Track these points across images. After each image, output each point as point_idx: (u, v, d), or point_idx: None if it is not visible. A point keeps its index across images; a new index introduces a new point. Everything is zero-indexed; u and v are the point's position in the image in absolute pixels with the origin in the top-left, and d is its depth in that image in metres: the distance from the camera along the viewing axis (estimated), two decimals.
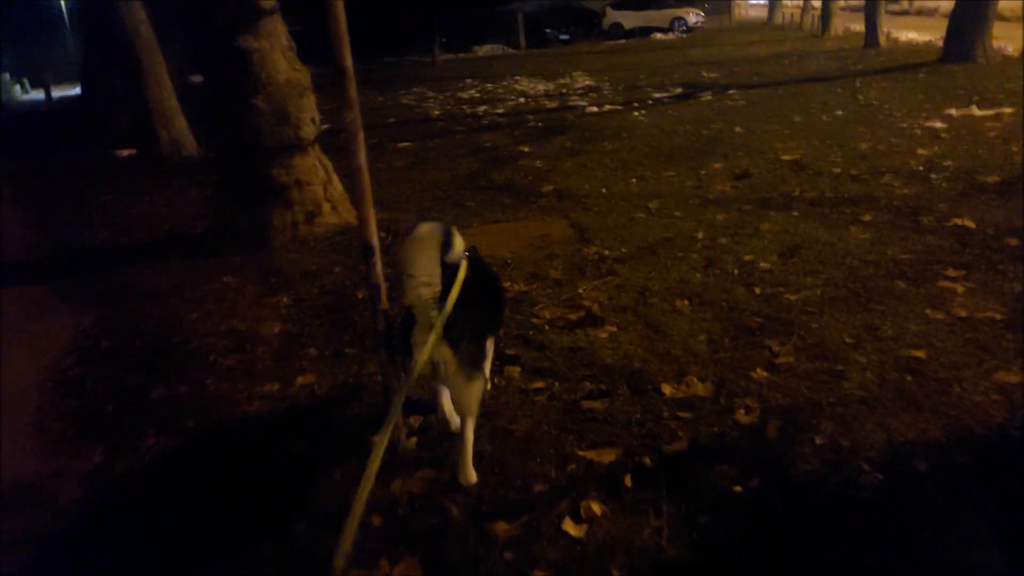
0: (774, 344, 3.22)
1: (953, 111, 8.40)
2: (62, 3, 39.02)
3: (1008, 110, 8.06)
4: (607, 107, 11.55)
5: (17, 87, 40.00)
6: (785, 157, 6.95)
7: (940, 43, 15.48)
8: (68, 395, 3.44)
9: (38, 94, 28.19)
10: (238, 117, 5.34)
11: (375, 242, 2.61)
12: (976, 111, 8.27)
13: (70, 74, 25.77)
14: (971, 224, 4.58)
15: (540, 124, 10.48)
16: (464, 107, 13.25)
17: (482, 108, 12.84)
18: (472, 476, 2.42)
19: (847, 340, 3.20)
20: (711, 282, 4.03)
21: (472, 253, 2.58)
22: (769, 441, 2.54)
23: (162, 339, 3.99)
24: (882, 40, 16.01)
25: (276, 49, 5.43)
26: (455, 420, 2.55)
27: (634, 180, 6.68)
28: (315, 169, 5.66)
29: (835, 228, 4.78)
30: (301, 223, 5.56)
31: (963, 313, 3.35)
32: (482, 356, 2.49)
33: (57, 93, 28.03)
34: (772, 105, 10.14)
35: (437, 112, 12.93)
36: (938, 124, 7.79)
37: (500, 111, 12.33)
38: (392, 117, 12.75)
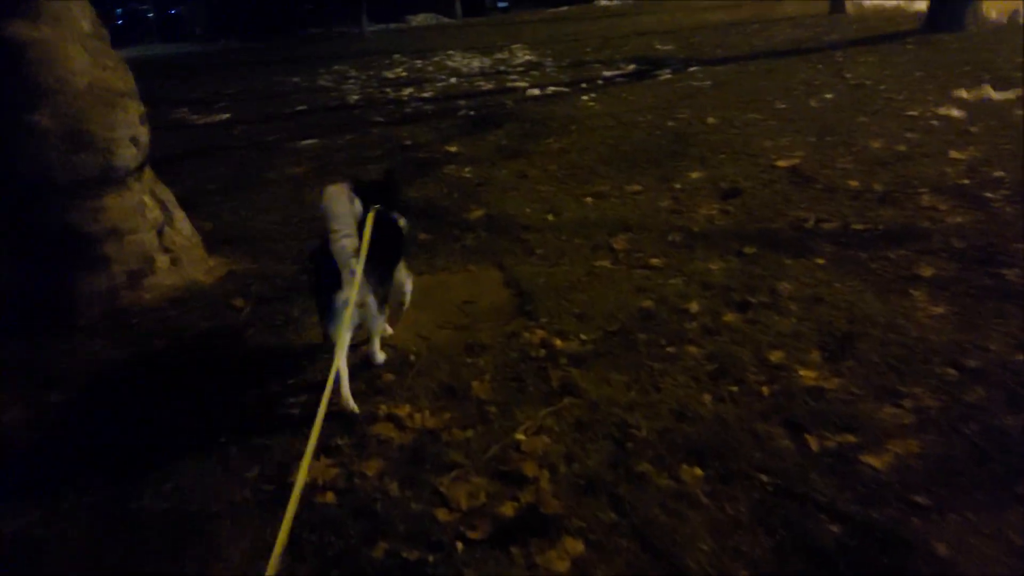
0: None
1: (964, 93, 6.99)
2: None
3: None
4: (551, 89, 9.92)
5: None
6: (780, 163, 5.44)
7: (912, 8, 14.21)
8: None
9: None
10: (10, 142, 3.58)
11: None
12: (993, 93, 6.87)
13: None
14: None
15: (472, 113, 8.80)
16: (387, 90, 11.47)
17: (407, 91, 11.08)
18: (381, 356, 3.04)
19: None
20: (731, 417, 2.48)
21: (386, 195, 3.02)
22: None
23: None
24: (848, 6, 14.64)
25: (70, 39, 3.67)
26: (351, 403, 2.70)
27: (590, 199, 5.09)
28: (141, 209, 3.92)
29: (888, 292, 3.29)
30: (122, 288, 3.84)
31: None
32: (387, 297, 2.96)
33: None
34: (745, 86, 8.63)
35: (355, 97, 11.12)
36: (955, 112, 6.37)
37: (428, 95, 10.60)
38: (302, 104, 10.90)
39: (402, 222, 3.15)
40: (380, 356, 3.04)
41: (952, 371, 2.62)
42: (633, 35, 15.47)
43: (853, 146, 5.69)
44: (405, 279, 3.23)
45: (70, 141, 3.62)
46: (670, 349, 2.96)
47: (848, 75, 8.56)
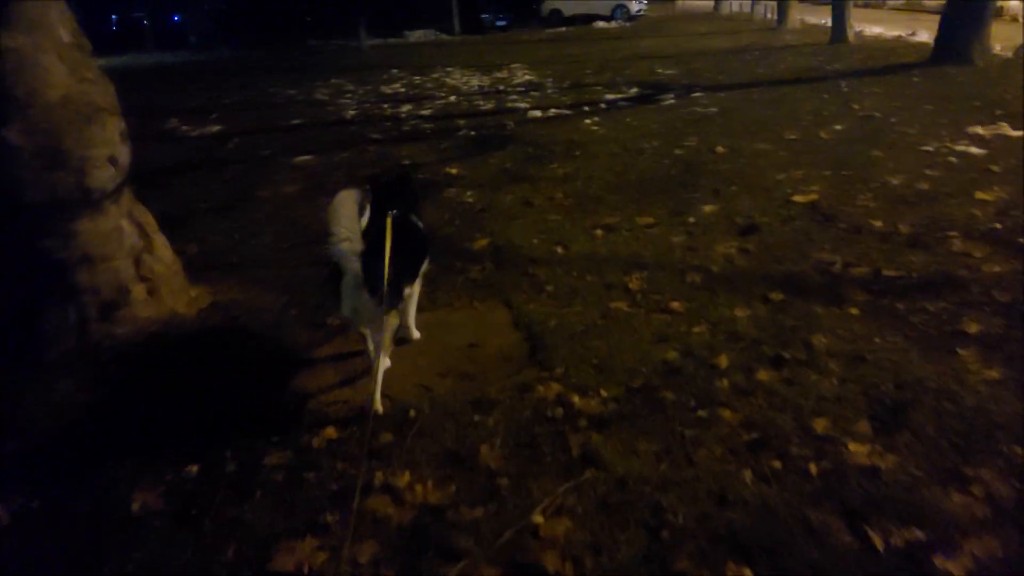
0: None
1: (980, 129, 6.81)
2: None
3: None
4: (553, 111, 9.68)
5: None
6: (797, 198, 5.19)
7: (914, 40, 14.17)
8: None
9: None
10: None
11: None
12: (1009, 130, 6.69)
13: None
14: None
15: (473, 133, 8.53)
16: (385, 106, 11.20)
17: (406, 108, 10.82)
18: (379, 407, 2.76)
19: None
20: (778, 502, 2.19)
21: (397, 214, 2.93)
22: None
23: None
24: (850, 35, 14.54)
25: (46, 49, 3.35)
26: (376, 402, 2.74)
27: (599, 232, 4.82)
28: (118, 235, 3.60)
29: (934, 351, 3.01)
30: (93, 321, 3.51)
31: None
32: (396, 302, 2.83)
33: None
34: (752, 114, 8.41)
35: (352, 112, 10.85)
36: (973, 149, 6.16)
37: (427, 112, 10.34)
38: (298, 117, 10.62)
39: (420, 224, 3.22)
40: (379, 401, 2.78)
41: (1020, 450, 2.34)
42: (633, 58, 15.32)
43: (871, 182, 5.45)
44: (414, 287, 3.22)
45: (41, 159, 3.30)
46: (701, 412, 2.66)
47: (856, 106, 8.37)
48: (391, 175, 3.17)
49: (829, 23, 15.60)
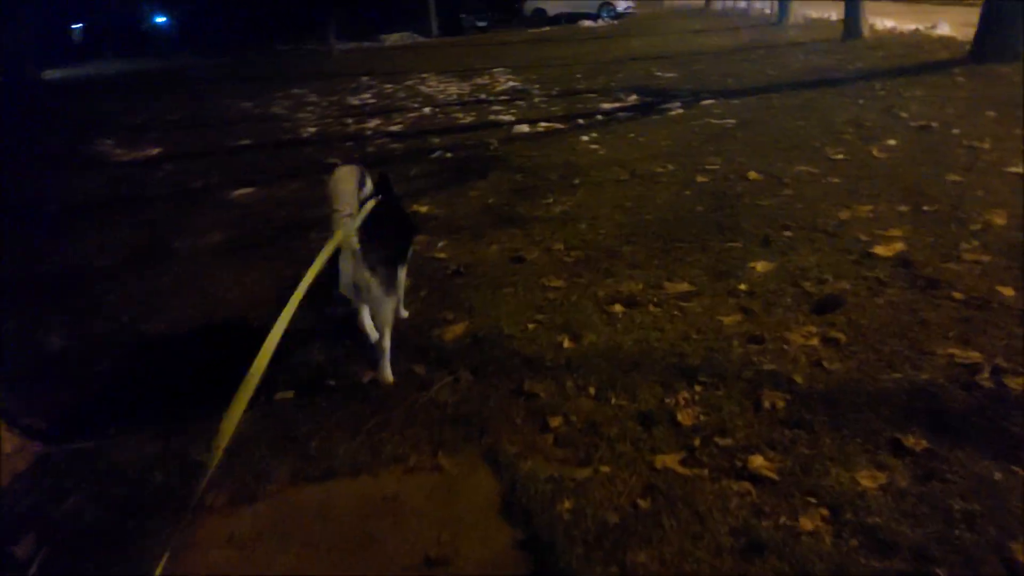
0: None
1: None
2: None
3: None
4: (542, 125, 8.34)
5: None
6: (879, 249, 3.87)
7: (935, 34, 12.92)
8: None
9: None
10: None
11: None
12: None
13: None
14: None
15: (450, 155, 7.19)
16: (349, 121, 9.86)
17: (373, 123, 9.48)
18: (390, 376, 2.88)
19: None
20: None
21: (383, 194, 3.04)
22: None
23: None
24: (865, 30, 13.24)
25: None
26: (374, 334, 2.96)
27: (619, 308, 3.49)
28: None
29: None
30: None
31: None
32: (394, 279, 2.97)
33: None
34: (779, 126, 7.09)
35: (311, 129, 9.50)
36: None
37: (396, 128, 9.01)
38: (248, 137, 9.25)
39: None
40: (389, 373, 2.89)
41: None
42: (627, 60, 13.99)
43: (970, 223, 4.14)
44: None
45: None
46: None
47: (903, 114, 7.05)
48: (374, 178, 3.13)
49: (834, 17, 14.36)
